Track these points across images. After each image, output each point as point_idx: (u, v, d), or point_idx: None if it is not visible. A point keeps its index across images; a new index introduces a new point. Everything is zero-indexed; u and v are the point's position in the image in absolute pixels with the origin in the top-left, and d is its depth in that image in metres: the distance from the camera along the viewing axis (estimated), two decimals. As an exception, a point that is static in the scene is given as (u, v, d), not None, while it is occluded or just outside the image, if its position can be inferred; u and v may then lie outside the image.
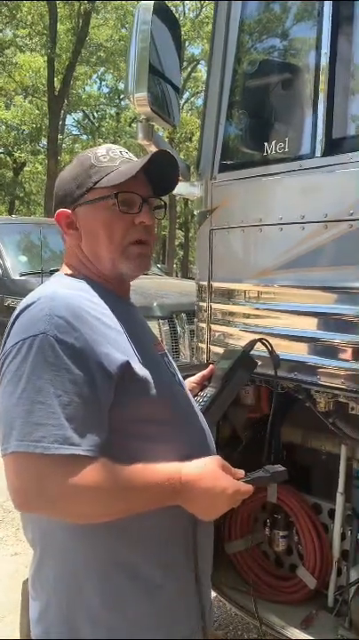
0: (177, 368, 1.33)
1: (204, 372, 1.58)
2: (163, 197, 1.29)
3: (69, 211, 1.21)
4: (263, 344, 1.59)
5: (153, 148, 1.83)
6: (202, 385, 1.55)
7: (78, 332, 1.03)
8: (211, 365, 1.61)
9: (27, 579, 1.30)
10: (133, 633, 1.11)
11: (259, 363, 1.61)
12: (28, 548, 1.23)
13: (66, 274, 1.23)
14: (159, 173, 1.22)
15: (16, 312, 1.10)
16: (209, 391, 1.50)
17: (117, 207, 1.17)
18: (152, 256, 1.28)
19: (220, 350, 2.02)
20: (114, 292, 1.22)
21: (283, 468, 1.22)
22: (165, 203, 1.33)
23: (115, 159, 1.21)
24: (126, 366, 1.08)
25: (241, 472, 1.17)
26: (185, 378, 1.45)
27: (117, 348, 1.09)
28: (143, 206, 1.19)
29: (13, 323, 1.09)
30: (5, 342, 1.08)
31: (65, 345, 1.01)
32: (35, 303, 1.07)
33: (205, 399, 1.47)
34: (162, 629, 1.15)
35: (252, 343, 1.59)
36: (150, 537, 1.14)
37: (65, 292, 1.10)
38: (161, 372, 1.19)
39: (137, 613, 1.12)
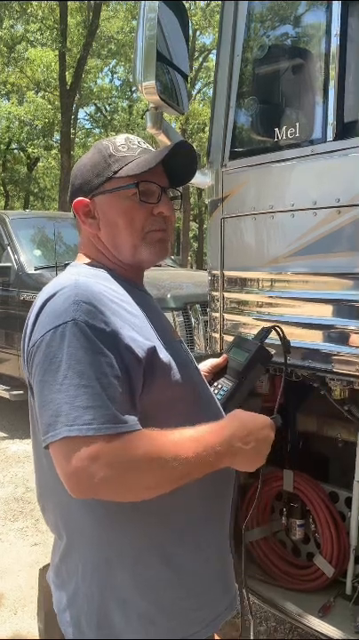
0: (193, 356, 1.33)
1: (217, 360, 1.56)
2: (178, 188, 1.29)
3: (87, 199, 1.21)
4: (276, 331, 1.57)
5: (162, 137, 1.81)
6: (214, 374, 1.54)
7: (106, 317, 1.03)
8: (224, 355, 1.60)
9: (44, 567, 1.31)
10: (163, 618, 1.12)
11: (273, 351, 1.60)
12: (48, 539, 1.24)
13: (84, 263, 1.23)
14: (175, 164, 1.22)
15: (39, 302, 1.10)
16: (224, 383, 1.49)
17: (137, 197, 1.16)
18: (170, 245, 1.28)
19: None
20: (131, 281, 1.22)
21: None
22: (181, 193, 1.32)
23: (134, 149, 1.20)
24: (152, 351, 1.08)
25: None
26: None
27: (141, 333, 1.09)
28: (162, 197, 1.19)
29: (38, 314, 1.08)
30: (32, 334, 1.08)
31: (96, 329, 1.01)
32: (58, 292, 1.07)
33: (222, 392, 1.46)
34: (191, 614, 1.16)
35: (266, 332, 1.57)
36: (183, 522, 1.14)
37: (86, 279, 1.10)
38: (181, 359, 1.19)
39: (167, 598, 1.13)
